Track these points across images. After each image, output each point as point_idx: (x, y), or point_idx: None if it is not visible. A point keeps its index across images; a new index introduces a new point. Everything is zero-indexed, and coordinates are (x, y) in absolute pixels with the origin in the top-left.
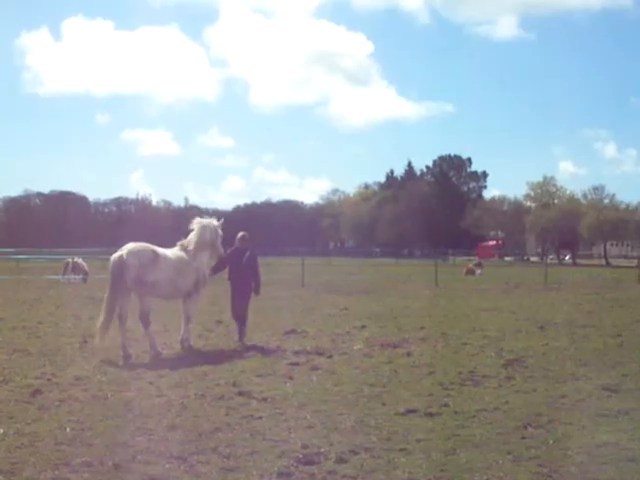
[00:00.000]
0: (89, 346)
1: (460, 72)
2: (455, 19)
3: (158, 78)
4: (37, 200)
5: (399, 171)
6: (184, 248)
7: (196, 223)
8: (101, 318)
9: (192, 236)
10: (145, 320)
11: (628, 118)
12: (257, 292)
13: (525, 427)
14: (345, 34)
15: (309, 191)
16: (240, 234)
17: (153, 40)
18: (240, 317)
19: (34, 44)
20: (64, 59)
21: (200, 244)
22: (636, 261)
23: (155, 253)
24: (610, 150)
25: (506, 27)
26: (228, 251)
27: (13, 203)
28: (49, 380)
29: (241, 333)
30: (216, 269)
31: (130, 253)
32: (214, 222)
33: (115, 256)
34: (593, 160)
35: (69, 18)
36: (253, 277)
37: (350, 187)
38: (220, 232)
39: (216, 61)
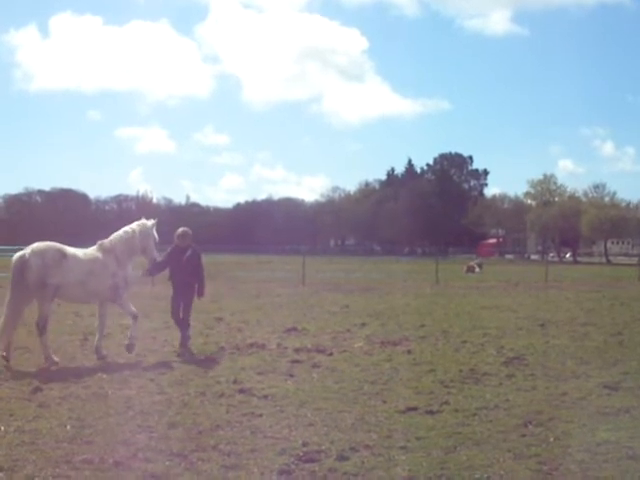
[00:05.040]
0: (89, 343)
1: (454, 68)
2: (445, 12)
3: (149, 74)
4: (38, 198)
5: (399, 169)
6: (103, 249)
7: (130, 226)
8: (1, 320)
9: (115, 237)
10: (42, 326)
11: (625, 116)
12: (200, 294)
13: (526, 425)
14: (339, 29)
15: (307, 188)
16: (180, 230)
17: (143, 36)
18: (183, 321)
19: (23, 41)
20: (53, 55)
21: (125, 247)
22: (637, 259)
23: (62, 253)
24: (608, 148)
25: (498, 22)
26: (168, 250)
27: (14, 200)
28: (50, 378)
29: (184, 338)
30: (153, 270)
31: (33, 252)
32: (147, 224)
33: (17, 255)
34: (591, 158)
35: (58, 14)
36: (195, 278)
37: (348, 184)
38: (154, 234)
39: (208, 57)
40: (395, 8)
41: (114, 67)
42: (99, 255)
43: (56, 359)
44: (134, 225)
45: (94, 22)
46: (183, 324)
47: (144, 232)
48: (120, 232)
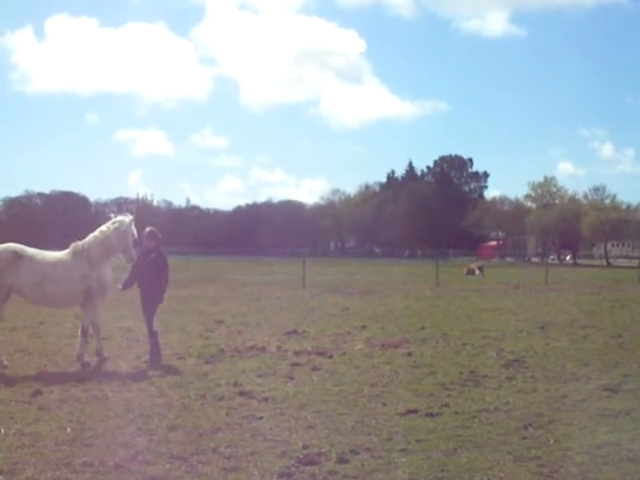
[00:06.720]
0: (89, 346)
1: (452, 69)
2: (443, 13)
3: (146, 76)
4: (38, 200)
5: (400, 171)
6: (75, 251)
7: (106, 225)
8: None
9: (90, 239)
10: None
11: (624, 117)
12: (159, 300)
13: (526, 427)
14: (336, 31)
15: (306, 191)
16: (146, 230)
17: (140, 38)
18: (148, 325)
19: (19, 43)
20: (50, 58)
21: (100, 248)
22: (637, 261)
23: (16, 255)
24: (608, 150)
25: (496, 22)
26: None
27: (14, 203)
28: (50, 380)
29: (152, 346)
30: (129, 281)
31: None
32: (125, 221)
33: None
34: (591, 160)
35: (53, 16)
36: (158, 281)
37: (347, 187)
38: (133, 231)
39: (205, 59)
40: (392, 9)
41: (111, 69)
42: (68, 258)
43: (5, 363)
44: (109, 224)
45: (90, 24)
46: (149, 330)
47: (121, 230)
48: (96, 232)
